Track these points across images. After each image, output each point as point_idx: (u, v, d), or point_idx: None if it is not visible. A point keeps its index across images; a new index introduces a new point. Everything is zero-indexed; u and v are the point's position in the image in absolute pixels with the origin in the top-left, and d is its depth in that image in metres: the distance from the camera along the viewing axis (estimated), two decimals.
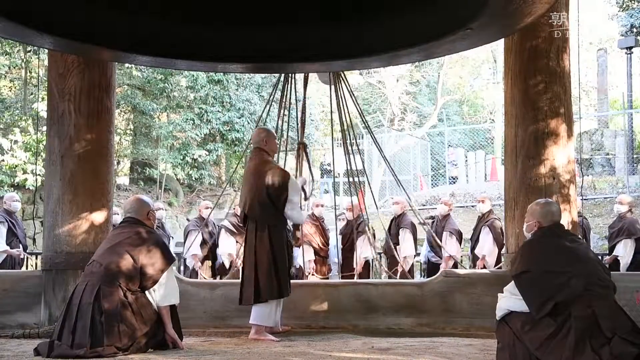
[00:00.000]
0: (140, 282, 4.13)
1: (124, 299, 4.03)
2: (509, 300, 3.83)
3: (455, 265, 7.71)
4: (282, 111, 6.39)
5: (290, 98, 6.31)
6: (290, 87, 6.29)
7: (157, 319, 4.18)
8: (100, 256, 4.23)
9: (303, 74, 6.49)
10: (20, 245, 8.06)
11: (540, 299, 3.65)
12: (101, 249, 4.32)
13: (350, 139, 6.52)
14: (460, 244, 8.43)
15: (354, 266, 7.88)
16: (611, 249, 8.03)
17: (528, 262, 3.81)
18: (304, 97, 6.47)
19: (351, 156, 6.43)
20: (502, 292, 3.95)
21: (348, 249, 8.18)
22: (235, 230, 8.13)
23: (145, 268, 4.14)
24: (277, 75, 6.75)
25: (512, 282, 3.85)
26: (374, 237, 8.58)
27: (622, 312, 3.70)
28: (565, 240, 3.93)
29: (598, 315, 3.54)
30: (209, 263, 8.45)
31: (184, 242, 8.61)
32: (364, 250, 8.11)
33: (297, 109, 6.43)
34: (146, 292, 4.17)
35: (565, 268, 3.70)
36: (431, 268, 8.38)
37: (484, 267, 7.76)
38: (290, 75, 6.26)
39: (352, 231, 8.12)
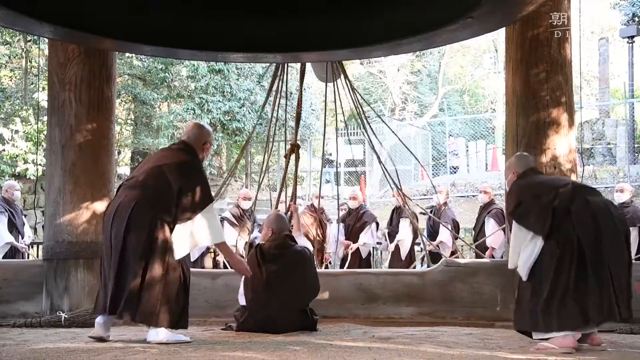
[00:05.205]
0: (176, 214, 3.86)
1: (157, 268, 3.79)
2: (516, 250, 3.91)
3: (451, 255, 7.71)
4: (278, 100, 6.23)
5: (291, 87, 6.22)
6: (285, 77, 6.18)
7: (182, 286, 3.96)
8: (140, 172, 4.00)
9: (299, 68, 6.40)
10: (19, 235, 7.91)
11: (540, 219, 3.79)
12: (142, 165, 4.10)
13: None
14: (458, 233, 8.42)
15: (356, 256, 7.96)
16: None
17: (518, 197, 4.01)
18: (301, 90, 6.34)
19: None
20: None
21: (351, 238, 8.25)
22: (236, 222, 8.08)
23: (183, 199, 3.86)
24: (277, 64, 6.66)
25: (514, 222, 3.96)
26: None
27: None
28: (544, 176, 4.33)
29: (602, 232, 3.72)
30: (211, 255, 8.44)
31: None
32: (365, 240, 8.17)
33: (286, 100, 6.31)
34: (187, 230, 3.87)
35: (551, 189, 3.93)
36: (430, 258, 8.39)
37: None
38: (282, 65, 6.12)
39: (355, 220, 8.19)
